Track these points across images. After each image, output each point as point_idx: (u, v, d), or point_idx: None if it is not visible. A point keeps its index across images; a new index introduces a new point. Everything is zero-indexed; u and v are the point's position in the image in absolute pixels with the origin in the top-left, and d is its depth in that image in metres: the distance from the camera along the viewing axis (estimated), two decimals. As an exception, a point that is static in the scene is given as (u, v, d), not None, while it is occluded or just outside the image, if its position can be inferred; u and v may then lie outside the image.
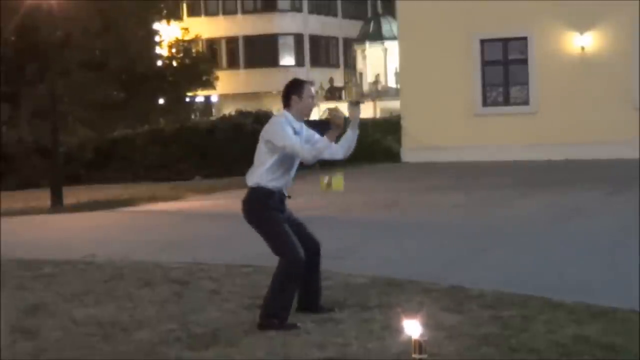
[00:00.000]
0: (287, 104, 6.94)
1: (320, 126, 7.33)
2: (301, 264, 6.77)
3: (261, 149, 6.89)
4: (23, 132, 27.70)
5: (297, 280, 6.83)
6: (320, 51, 56.52)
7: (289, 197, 7.02)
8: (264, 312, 6.79)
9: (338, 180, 7.34)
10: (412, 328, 4.52)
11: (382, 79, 48.13)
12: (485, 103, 26.32)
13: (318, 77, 47.93)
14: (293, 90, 6.94)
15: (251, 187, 6.90)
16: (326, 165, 7.92)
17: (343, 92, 52.29)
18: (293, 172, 7.01)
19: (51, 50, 22.07)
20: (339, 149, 6.97)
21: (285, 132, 6.77)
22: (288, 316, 6.76)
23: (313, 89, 7.12)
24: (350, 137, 6.97)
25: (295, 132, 6.84)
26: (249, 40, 54.10)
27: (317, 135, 6.97)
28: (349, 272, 8.71)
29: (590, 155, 23.46)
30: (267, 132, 6.87)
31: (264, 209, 6.83)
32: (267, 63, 53.30)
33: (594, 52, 24.96)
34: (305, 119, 7.04)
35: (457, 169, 22.73)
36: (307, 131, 6.99)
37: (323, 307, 7.13)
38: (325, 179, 7.35)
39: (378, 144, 26.91)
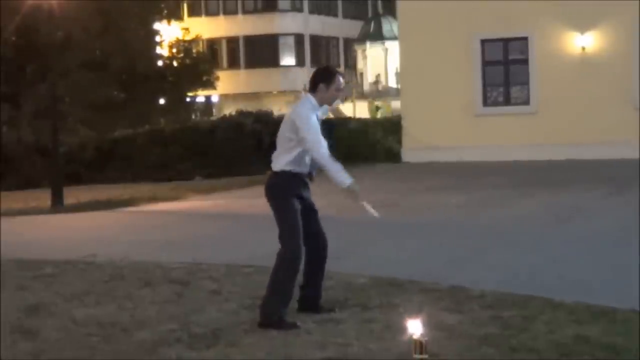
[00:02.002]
0: (313, 89, 6.85)
1: (326, 124, 7.25)
2: (298, 261, 6.79)
3: (285, 135, 6.79)
4: (23, 132, 27.72)
5: (294, 277, 6.83)
6: (321, 51, 56.52)
7: (312, 180, 6.92)
8: (263, 310, 6.81)
9: (387, 105, 7.16)
10: (413, 328, 4.53)
11: (382, 79, 48.14)
12: (485, 103, 26.31)
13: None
14: (322, 79, 6.84)
15: (274, 171, 6.85)
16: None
17: (343, 92, 52.29)
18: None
19: (52, 50, 22.07)
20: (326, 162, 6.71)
21: (310, 123, 6.65)
22: (286, 313, 6.77)
23: (342, 82, 6.98)
24: (332, 171, 6.67)
25: (317, 119, 6.81)
26: (250, 40, 54.13)
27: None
28: (349, 272, 8.71)
29: (590, 155, 23.45)
30: (295, 114, 6.75)
31: (284, 193, 6.78)
32: (267, 63, 53.33)
33: (594, 52, 24.95)
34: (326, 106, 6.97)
35: (458, 169, 22.73)
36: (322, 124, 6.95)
37: (324, 307, 7.12)
38: (375, 103, 7.13)
39: (378, 144, 26.90)
